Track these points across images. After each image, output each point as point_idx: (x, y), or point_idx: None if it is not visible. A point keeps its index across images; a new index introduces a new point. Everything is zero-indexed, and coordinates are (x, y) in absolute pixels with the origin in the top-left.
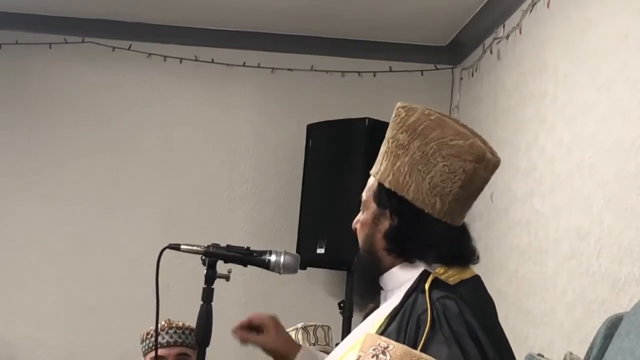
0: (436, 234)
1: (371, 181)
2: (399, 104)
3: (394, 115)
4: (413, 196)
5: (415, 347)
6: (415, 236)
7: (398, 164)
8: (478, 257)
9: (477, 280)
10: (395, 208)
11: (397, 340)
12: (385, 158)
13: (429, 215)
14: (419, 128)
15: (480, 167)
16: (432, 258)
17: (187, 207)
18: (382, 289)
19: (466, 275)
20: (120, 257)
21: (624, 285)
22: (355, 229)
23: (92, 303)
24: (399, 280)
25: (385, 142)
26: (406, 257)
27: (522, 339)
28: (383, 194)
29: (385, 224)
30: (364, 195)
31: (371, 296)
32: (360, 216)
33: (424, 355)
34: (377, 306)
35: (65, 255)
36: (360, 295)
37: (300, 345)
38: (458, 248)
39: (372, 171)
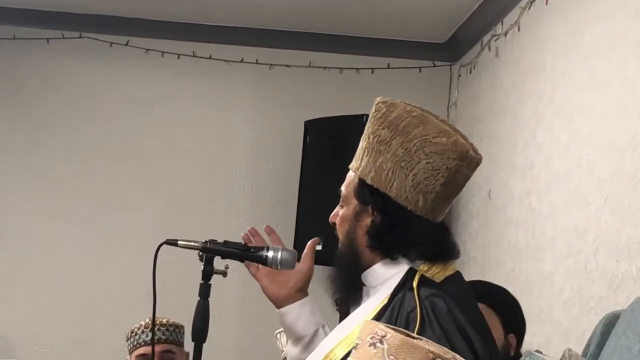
0: (419, 231)
1: (351, 176)
2: (378, 99)
3: (373, 110)
4: (396, 193)
5: None
6: (398, 233)
7: (380, 160)
8: (459, 252)
9: (459, 276)
10: (378, 205)
11: None
12: (365, 154)
13: (412, 213)
14: (401, 125)
15: (463, 164)
16: (415, 255)
17: (185, 204)
18: (364, 285)
19: (449, 271)
20: (118, 253)
21: (621, 282)
22: (334, 223)
23: (90, 299)
24: (382, 277)
25: (365, 137)
26: (389, 254)
27: None
28: (365, 190)
29: (367, 221)
30: (344, 190)
31: (355, 293)
32: (339, 210)
33: (420, 343)
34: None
35: (63, 251)
36: (345, 292)
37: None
38: (440, 245)
39: (352, 166)
